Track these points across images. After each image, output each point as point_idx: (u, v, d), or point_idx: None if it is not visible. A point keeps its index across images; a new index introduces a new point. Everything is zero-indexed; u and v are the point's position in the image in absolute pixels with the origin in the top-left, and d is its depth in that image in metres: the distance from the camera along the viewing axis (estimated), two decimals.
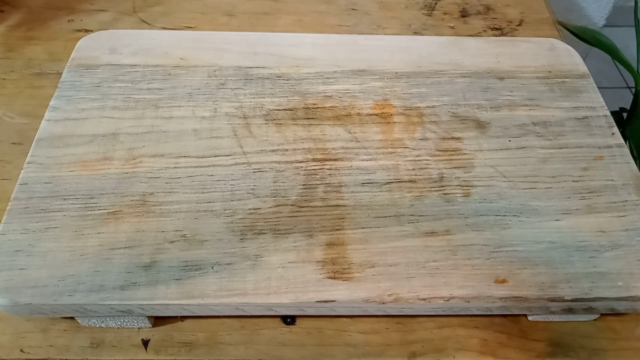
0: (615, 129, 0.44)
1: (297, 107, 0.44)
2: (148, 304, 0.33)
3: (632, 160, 0.42)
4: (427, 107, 0.45)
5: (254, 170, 0.40)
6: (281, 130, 0.42)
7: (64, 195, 0.38)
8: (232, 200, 0.38)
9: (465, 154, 0.42)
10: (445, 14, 0.61)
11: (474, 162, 0.41)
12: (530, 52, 0.50)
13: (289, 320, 0.37)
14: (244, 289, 0.34)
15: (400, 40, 0.50)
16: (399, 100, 0.45)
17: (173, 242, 0.36)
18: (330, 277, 0.34)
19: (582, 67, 0.49)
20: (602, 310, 0.35)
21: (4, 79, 0.50)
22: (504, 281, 0.35)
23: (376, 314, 0.36)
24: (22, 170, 0.39)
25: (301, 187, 0.39)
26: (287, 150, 0.41)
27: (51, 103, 0.43)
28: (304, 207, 0.38)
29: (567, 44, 0.51)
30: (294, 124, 0.43)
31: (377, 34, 0.56)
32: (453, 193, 0.39)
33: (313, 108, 0.44)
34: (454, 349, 0.36)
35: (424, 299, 0.34)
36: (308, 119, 0.43)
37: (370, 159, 0.41)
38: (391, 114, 0.44)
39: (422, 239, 0.37)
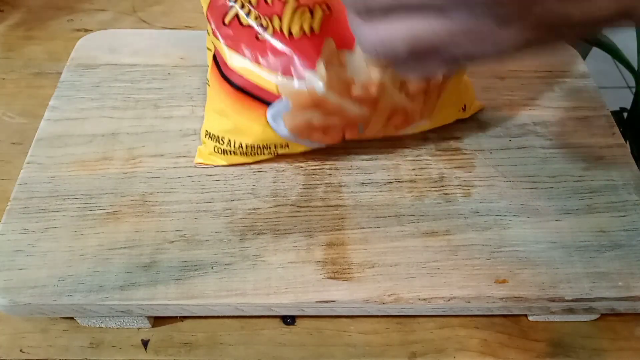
0: (616, 129, 0.44)
1: None
2: (148, 304, 0.33)
3: (633, 160, 0.42)
4: None
5: (254, 170, 0.40)
6: None
7: (64, 195, 0.37)
8: (232, 200, 0.38)
9: (466, 153, 0.42)
10: None
11: (474, 162, 0.41)
12: None
13: (288, 320, 0.37)
14: (244, 289, 0.34)
15: None
16: None
17: (173, 242, 0.36)
18: (330, 277, 0.34)
19: (583, 67, 0.49)
20: (602, 310, 0.35)
21: (4, 78, 0.50)
22: (504, 281, 0.35)
23: (376, 314, 0.36)
24: (22, 170, 0.39)
25: (301, 187, 0.39)
26: None
27: (51, 103, 0.43)
28: (303, 207, 0.38)
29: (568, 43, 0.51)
30: None
31: None
32: (453, 193, 0.39)
33: None
34: (454, 349, 0.36)
35: (424, 299, 0.34)
36: None
37: (370, 159, 0.41)
38: None
39: (422, 239, 0.37)
